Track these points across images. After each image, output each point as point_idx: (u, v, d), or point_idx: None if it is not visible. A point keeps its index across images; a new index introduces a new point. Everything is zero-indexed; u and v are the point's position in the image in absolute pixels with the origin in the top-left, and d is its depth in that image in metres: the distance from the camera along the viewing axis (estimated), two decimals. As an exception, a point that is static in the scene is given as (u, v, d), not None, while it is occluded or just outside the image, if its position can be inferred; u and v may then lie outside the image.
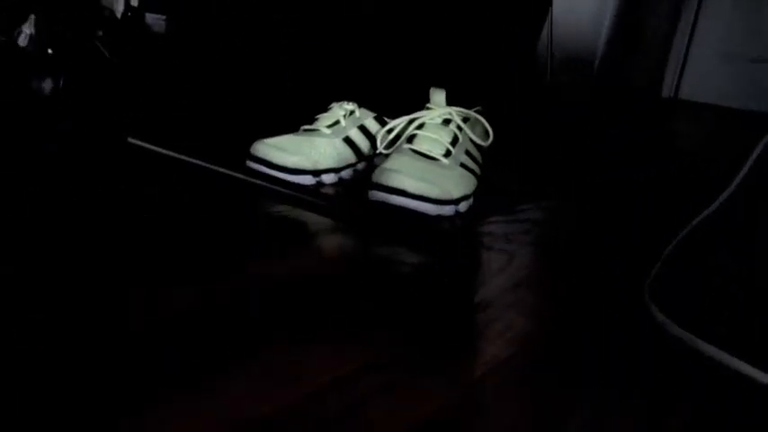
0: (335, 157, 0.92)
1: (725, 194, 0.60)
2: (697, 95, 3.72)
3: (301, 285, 0.56)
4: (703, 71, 3.72)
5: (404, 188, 0.77)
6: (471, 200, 0.86)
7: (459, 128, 0.89)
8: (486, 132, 0.91)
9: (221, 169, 0.84)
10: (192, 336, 0.44)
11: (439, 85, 0.90)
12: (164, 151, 0.88)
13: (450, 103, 0.90)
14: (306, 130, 0.94)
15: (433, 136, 0.86)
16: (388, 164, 0.81)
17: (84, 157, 0.88)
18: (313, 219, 0.75)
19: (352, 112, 0.97)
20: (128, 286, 0.51)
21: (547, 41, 2.07)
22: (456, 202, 0.82)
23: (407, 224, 0.76)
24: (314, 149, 0.90)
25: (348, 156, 0.94)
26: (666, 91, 3.68)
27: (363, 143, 0.96)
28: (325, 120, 0.96)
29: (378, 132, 0.92)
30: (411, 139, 0.87)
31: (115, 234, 0.62)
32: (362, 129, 0.97)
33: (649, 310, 0.55)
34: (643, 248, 0.73)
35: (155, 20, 2.43)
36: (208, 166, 0.85)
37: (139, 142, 0.90)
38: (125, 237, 0.61)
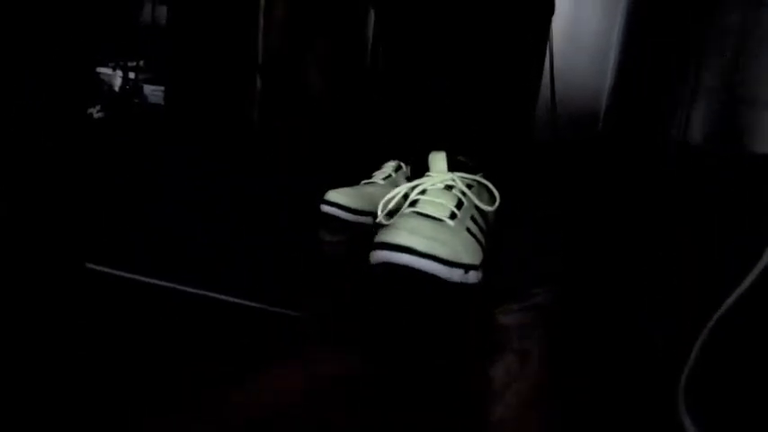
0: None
1: (753, 275, 0.52)
2: (705, 140, 3.67)
3: (283, 416, 0.49)
4: (712, 115, 3.68)
5: (412, 246, 0.69)
6: (480, 273, 0.79)
7: (464, 193, 0.83)
8: (493, 198, 0.85)
9: (191, 290, 0.72)
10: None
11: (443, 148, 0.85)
12: (130, 276, 0.74)
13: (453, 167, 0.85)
14: (365, 183, 1.15)
15: (437, 200, 0.81)
16: (394, 222, 0.74)
17: (35, 289, 0.71)
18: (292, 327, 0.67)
19: (399, 167, 1.19)
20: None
21: (549, 99, 2.04)
22: (466, 268, 0.75)
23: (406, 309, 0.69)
24: (374, 196, 1.06)
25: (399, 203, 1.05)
26: (674, 134, 3.64)
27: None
28: (379, 174, 1.18)
29: (380, 201, 0.87)
30: (413, 204, 0.81)
31: (82, 375, 0.55)
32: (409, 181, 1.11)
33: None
34: (670, 339, 0.65)
35: (152, 91, 2.43)
36: (176, 287, 0.73)
37: (100, 267, 0.76)
38: (95, 376, 0.55)
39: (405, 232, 0.70)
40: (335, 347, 0.61)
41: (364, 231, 0.95)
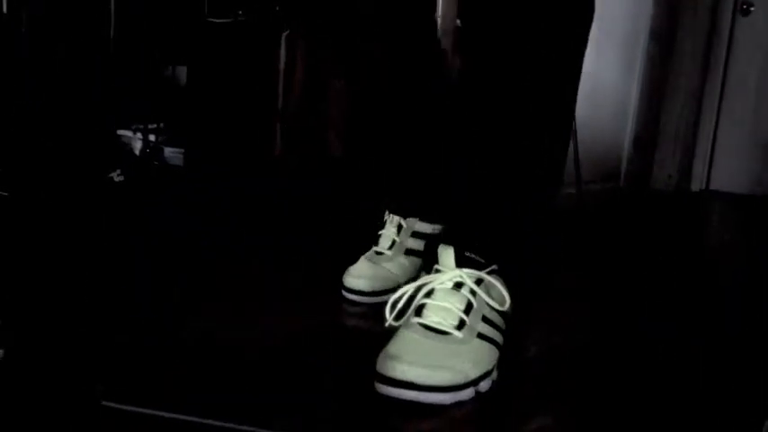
0: (404, 271, 1.08)
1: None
2: (728, 185, 3.59)
3: None
4: (733, 160, 3.61)
5: (411, 380, 0.69)
6: (495, 374, 0.76)
7: (473, 292, 0.79)
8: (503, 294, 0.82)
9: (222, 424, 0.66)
10: None
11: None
12: (151, 412, 0.67)
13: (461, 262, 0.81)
14: (376, 253, 1.10)
15: (444, 304, 0.77)
16: (392, 347, 0.73)
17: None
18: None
19: (401, 227, 1.11)
20: None
21: (573, 157, 2.00)
22: (475, 382, 0.73)
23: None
24: (390, 273, 1.07)
25: (415, 263, 1.10)
26: (697, 183, 3.56)
27: (421, 246, 1.11)
28: (385, 241, 1.11)
29: (390, 301, 0.83)
30: (420, 310, 0.78)
31: None
32: (416, 234, 1.11)
33: None
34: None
35: (173, 153, 2.44)
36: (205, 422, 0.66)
37: (118, 405, 0.68)
38: None
39: (402, 365, 0.70)
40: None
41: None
